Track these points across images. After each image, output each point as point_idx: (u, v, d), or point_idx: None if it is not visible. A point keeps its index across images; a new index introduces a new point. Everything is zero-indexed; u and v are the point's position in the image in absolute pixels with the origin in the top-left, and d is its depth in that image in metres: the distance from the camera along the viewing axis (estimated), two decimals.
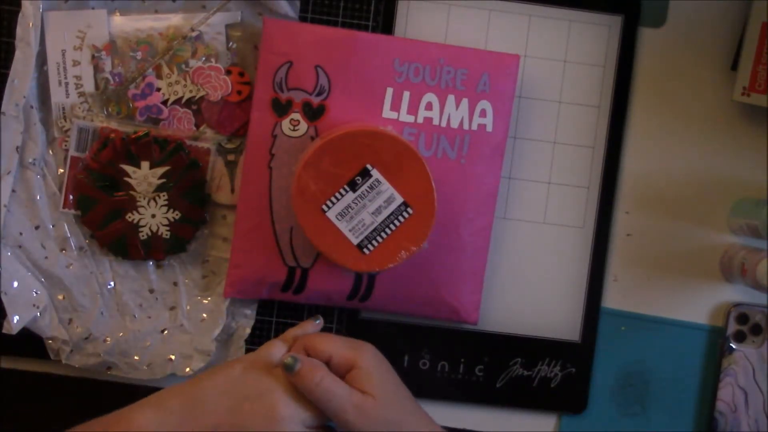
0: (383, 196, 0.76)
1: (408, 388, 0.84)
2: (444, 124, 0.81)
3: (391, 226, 0.77)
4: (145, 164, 0.81)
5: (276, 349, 0.73)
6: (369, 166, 0.76)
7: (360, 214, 0.76)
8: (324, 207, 0.76)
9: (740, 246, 0.85)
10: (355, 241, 0.77)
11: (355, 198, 0.76)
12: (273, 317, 0.84)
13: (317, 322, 0.79)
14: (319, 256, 0.81)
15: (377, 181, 0.76)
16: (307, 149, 0.78)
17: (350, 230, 0.76)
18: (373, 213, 0.76)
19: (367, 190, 0.76)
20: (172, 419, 0.67)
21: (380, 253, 0.77)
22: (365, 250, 0.77)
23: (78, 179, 0.81)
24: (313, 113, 0.80)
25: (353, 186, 0.76)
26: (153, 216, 0.81)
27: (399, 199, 0.76)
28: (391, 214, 0.76)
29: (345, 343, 0.74)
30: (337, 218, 0.76)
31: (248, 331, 0.83)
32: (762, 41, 0.82)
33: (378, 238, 0.77)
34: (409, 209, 0.76)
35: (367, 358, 0.73)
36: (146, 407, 0.68)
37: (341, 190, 0.76)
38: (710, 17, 0.85)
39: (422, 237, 0.77)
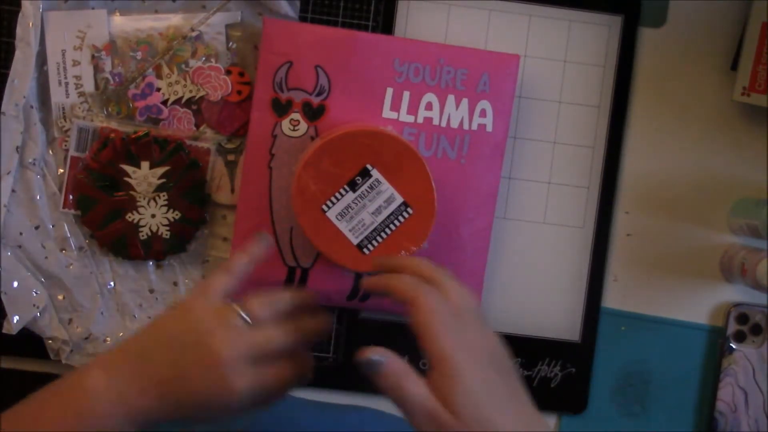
0: (383, 196, 0.76)
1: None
2: (444, 124, 0.81)
3: (391, 226, 0.77)
4: (145, 164, 0.81)
5: (220, 285, 0.67)
6: (369, 166, 0.76)
7: (360, 214, 0.76)
8: (324, 207, 0.76)
9: (740, 246, 0.85)
10: (355, 241, 0.77)
11: (355, 198, 0.76)
12: None
13: (264, 242, 0.73)
14: (319, 256, 0.81)
15: (377, 181, 0.76)
16: (307, 149, 0.78)
17: (350, 230, 0.76)
18: (373, 213, 0.76)
19: (367, 190, 0.76)
20: (121, 379, 0.62)
21: (380, 253, 0.77)
22: (365, 250, 0.77)
23: (78, 179, 0.81)
24: (313, 113, 0.80)
25: (353, 186, 0.76)
26: (153, 216, 0.81)
27: (399, 199, 0.76)
28: (391, 214, 0.76)
29: (450, 314, 0.61)
30: (337, 218, 0.76)
31: None
32: (762, 41, 0.82)
33: (378, 238, 0.77)
34: (409, 209, 0.76)
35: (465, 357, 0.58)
36: (96, 369, 0.63)
37: (341, 190, 0.76)
38: (710, 17, 0.85)
39: (422, 237, 0.77)
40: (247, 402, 0.63)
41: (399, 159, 0.76)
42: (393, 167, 0.76)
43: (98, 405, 0.62)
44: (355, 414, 0.81)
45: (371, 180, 0.76)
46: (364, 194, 0.76)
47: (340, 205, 0.76)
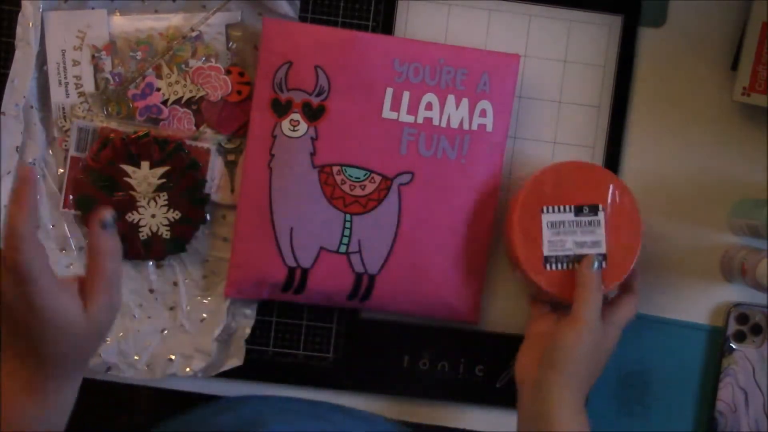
0: (593, 237, 0.78)
1: (408, 387, 0.84)
2: (444, 124, 0.80)
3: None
4: (145, 164, 0.81)
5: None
6: (601, 207, 0.78)
7: (566, 235, 0.78)
8: (545, 208, 0.78)
9: (740, 246, 0.85)
10: (546, 252, 0.78)
11: (572, 221, 0.78)
12: (273, 317, 0.84)
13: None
14: (319, 256, 0.81)
15: (598, 222, 0.78)
16: (575, 160, 0.81)
17: (549, 241, 0.78)
18: (576, 243, 0.78)
19: (586, 222, 0.78)
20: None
21: (556, 278, 0.78)
22: (548, 265, 0.78)
23: (78, 179, 0.81)
24: (313, 114, 0.80)
25: (578, 211, 0.78)
26: (153, 216, 0.81)
27: (602, 249, 0.78)
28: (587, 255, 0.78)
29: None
30: (548, 225, 0.78)
31: (248, 331, 0.83)
32: (762, 41, 0.82)
33: (564, 264, 0.78)
34: (604, 263, 0.78)
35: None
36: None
37: (566, 207, 0.78)
38: (710, 17, 0.85)
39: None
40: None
41: (626, 222, 0.78)
42: (617, 223, 0.78)
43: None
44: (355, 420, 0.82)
45: (595, 218, 0.78)
46: (581, 224, 0.78)
47: (557, 216, 0.78)
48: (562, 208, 0.78)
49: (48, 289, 0.60)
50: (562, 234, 0.78)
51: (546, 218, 0.78)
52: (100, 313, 0.63)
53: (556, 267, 0.78)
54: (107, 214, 0.64)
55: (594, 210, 0.78)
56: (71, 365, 0.64)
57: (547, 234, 0.78)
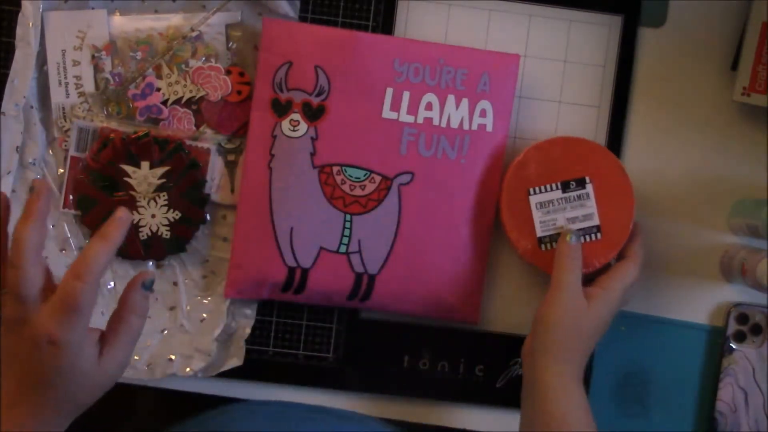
0: (584, 210, 0.79)
1: (408, 388, 0.84)
2: (444, 124, 0.81)
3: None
4: (145, 164, 0.81)
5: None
6: (588, 179, 0.79)
7: (557, 213, 0.79)
8: (531, 190, 0.79)
9: (740, 246, 0.85)
10: (539, 234, 0.79)
11: (561, 198, 0.79)
12: (273, 317, 0.84)
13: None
14: (319, 256, 0.81)
15: (587, 194, 0.79)
16: (550, 138, 0.80)
17: (541, 222, 0.79)
18: (568, 219, 0.79)
19: (574, 197, 0.79)
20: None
21: (552, 258, 0.78)
22: (543, 246, 0.79)
23: (78, 179, 0.81)
24: (313, 114, 0.80)
25: (565, 187, 0.79)
26: (153, 216, 0.81)
27: (595, 221, 0.79)
28: (581, 229, 0.79)
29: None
30: (536, 206, 0.79)
31: (248, 331, 0.83)
32: (762, 41, 0.82)
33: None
34: (598, 234, 0.79)
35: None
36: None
37: (553, 185, 0.79)
38: (710, 17, 0.85)
39: (592, 265, 0.79)
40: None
41: (617, 191, 0.79)
42: (608, 194, 0.79)
43: None
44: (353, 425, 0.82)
45: (583, 191, 0.79)
46: (570, 199, 0.79)
47: (545, 196, 0.79)
48: (547, 186, 0.79)
49: (83, 327, 0.61)
50: (552, 213, 0.79)
51: (534, 199, 0.79)
52: (112, 365, 0.64)
53: (552, 246, 0.79)
54: (152, 276, 0.65)
55: (581, 183, 0.79)
56: (67, 411, 0.63)
57: (537, 215, 0.79)
